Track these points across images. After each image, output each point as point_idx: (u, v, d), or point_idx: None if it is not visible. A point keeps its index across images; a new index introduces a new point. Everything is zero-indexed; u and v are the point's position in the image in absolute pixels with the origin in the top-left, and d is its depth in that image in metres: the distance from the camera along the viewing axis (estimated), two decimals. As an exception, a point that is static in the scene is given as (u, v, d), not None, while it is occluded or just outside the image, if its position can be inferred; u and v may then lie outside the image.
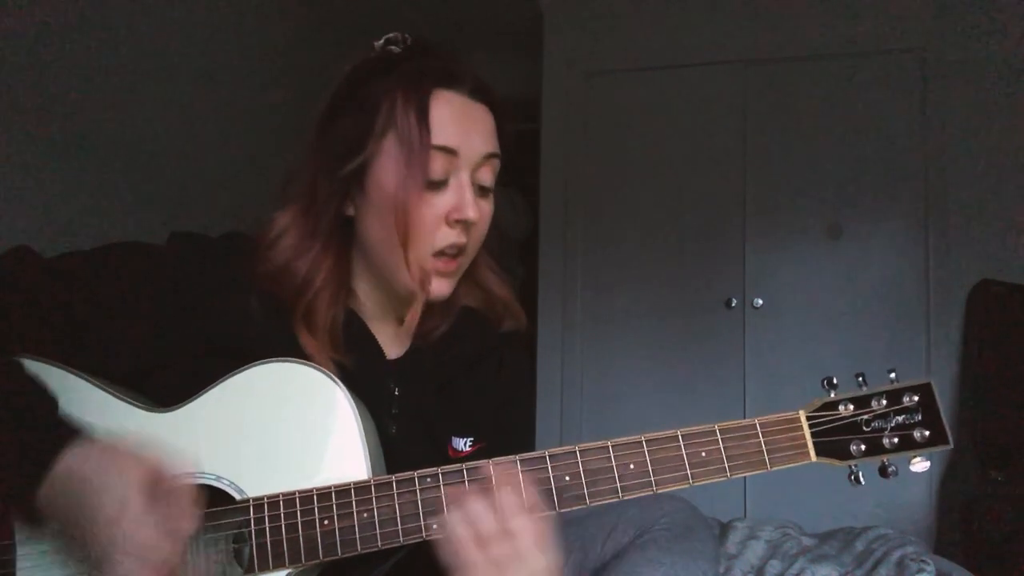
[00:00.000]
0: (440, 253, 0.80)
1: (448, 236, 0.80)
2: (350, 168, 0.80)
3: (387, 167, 0.78)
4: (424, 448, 0.84)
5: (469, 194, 0.80)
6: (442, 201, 0.79)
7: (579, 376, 3.10)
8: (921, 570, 1.33)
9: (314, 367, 0.76)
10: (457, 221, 0.79)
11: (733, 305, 2.94)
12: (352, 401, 0.75)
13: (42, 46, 1.91)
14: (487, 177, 0.83)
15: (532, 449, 0.92)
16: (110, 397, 0.77)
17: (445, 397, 0.89)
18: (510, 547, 0.67)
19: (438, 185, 0.79)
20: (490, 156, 0.82)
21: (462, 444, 0.88)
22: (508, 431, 0.91)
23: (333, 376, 0.75)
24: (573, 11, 3.24)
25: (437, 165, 0.78)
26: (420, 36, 0.86)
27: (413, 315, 0.84)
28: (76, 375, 0.77)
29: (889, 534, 1.56)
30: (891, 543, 1.49)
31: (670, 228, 3.05)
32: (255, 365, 0.76)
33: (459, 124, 0.80)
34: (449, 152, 0.78)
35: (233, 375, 0.76)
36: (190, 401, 0.76)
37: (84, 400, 0.76)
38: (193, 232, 0.85)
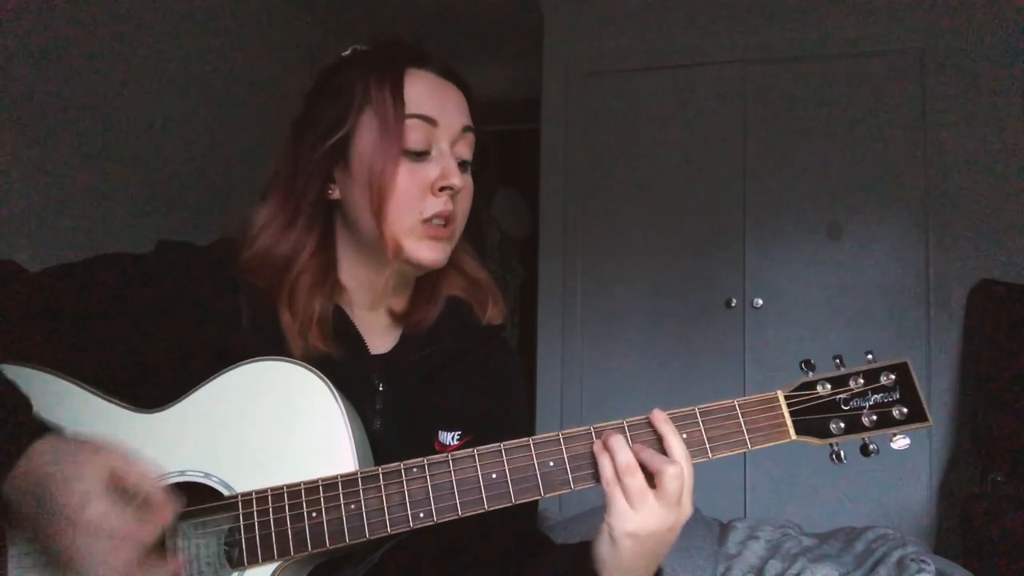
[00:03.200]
0: (428, 222, 0.82)
1: (436, 204, 0.82)
2: (329, 145, 0.82)
3: (366, 139, 0.81)
4: (410, 443, 0.85)
5: (452, 162, 0.83)
6: (426, 171, 0.82)
7: (579, 376, 3.10)
8: (921, 570, 1.33)
9: (300, 364, 0.76)
10: (442, 189, 0.82)
11: (733, 305, 2.94)
12: (338, 396, 0.75)
13: (46, 50, 1.92)
14: (465, 151, 0.86)
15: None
16: (96, 399, 0.77)
17: (430, 391, 0.89)
18: (644, 481, 0.69)
19: (420, 156, 0.82)
20: (467, 129, 0.85)
21: (449, 438, 0.88)
22: (496, 426, 0.90)
23: (318, 372, 0.76)
24: (573, 11, 3.24)
25: (416, 135, 0.81)
26: (392, 33, 0.89)
27: (387, 280, 0.85)
28: (62, 378, 0.77)
29: (889, 534, 1.56)
30: (891, 543, 1.49)
31: (670, 228, 3.05)
32: (241, 364, 0.76)
33: (434, 97, 0.83)
34: (427, 120, 0.82)
35: (220, 374, 0.76)
36: (177, 401, 0.77)
37: (69, 403, 0.76)
38: (181, 240, 0.86)
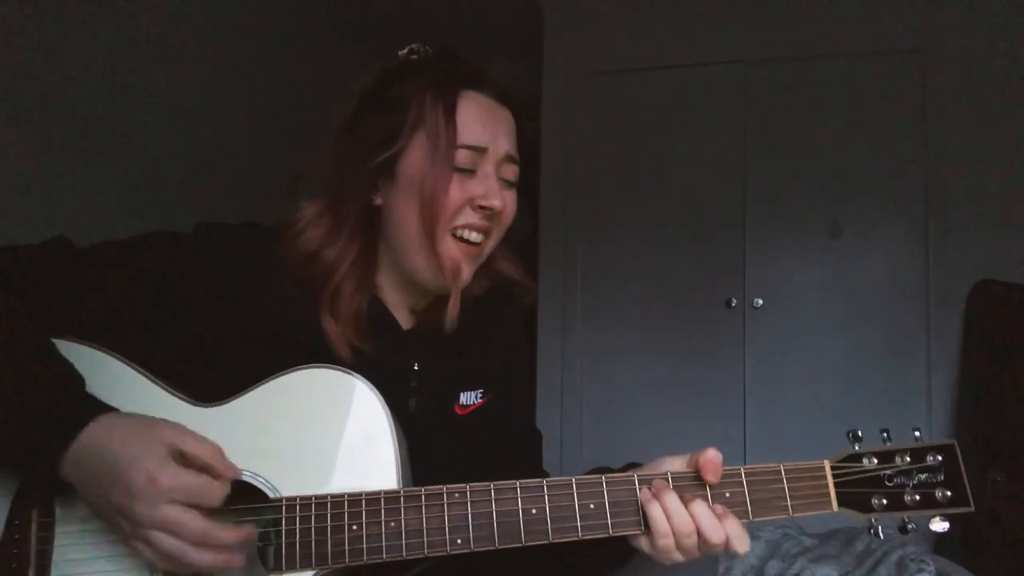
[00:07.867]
0: (459, 235, 0.84)
1: (469, 216, 0.84)
2: (380, 160, 0.84)
3: (417, 159, 0.83)
4: (436, 413, 0.88)
5: (495, 184, 0.85)
6: (470, 186, 0.84)
7: (579, 376, 3.10)
8: (921, 570, 1.34)
9: (357, 377, 0.78)
10: (481, 207, 0.84)
11: (733, 305, 2.94)
12: (389, 414, 0.77)
13: (42, 44, 1.92)
14: (510, 174, 0.88)
15: (534, 395, 0.98)
16: (149, 383, 0.79)
17: (457, 356, 0.92)
18: (697, 539, 0.72)
19: (466, 173, 0.84)
20: (512, 159, 0.87)
21: (473, 397, 0.91)
22: (513, 379, 0.95)
23: (373, 388, 0.78)
24: (573, 11, 3.24)
25: (465, 160, 0.83)
26: (446, 44, 0.90)
27: (452, 306, 0.86)
28: (114, 357, 0.78)
29: (889, 534, 1.55)
30: (891, 543, 1.49)
31: (670, 228, 3.05)
32: (299, 369, 0.78)
33: (486, 124, 0.84)
34: (476, 150, 0.84)
35: (277, 377, 0.78)
36: (234, 398, 0.78)
37: (122, 383, 0.77)
38: (219, 223, 0.87)
